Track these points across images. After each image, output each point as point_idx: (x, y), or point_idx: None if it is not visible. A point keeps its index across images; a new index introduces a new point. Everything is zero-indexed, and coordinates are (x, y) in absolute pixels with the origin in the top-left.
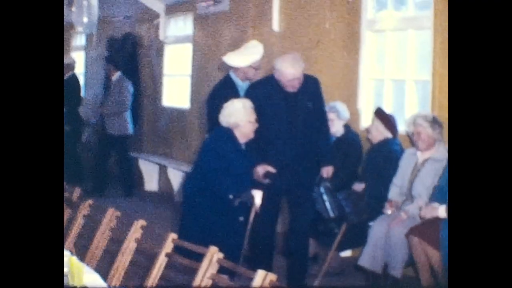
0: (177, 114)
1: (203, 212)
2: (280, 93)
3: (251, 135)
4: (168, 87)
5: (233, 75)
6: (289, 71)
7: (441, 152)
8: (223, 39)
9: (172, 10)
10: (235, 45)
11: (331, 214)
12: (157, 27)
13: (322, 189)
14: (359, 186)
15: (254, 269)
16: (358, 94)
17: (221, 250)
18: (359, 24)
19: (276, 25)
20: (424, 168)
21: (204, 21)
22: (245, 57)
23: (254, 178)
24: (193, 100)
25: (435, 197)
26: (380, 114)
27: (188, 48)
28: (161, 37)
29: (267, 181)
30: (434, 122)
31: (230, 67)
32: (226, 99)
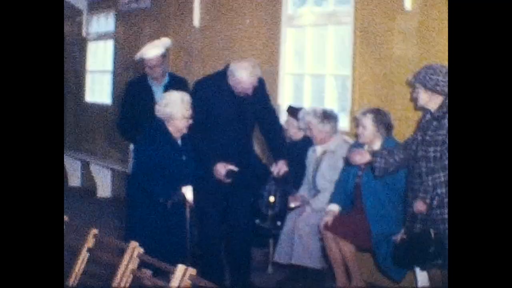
0: (99, 110)
1: (143, 213)
2: (230, 95)
3: (184, 131)
4: (91, 83)
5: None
6: (246, 80)
7: (336, 144)
8: (144, 35)
9: (94, 7)
10: None
11: (270, 213)
12: (79, 24)
13: (272, 186)
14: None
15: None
16: (278, 89)
17: (165, 250)
18: (279, 19)
19: (196, 21)
20: (322, 161)
21: (125, 17)
22: (143, 51)
23: (216, 178)
24: (114, 96)
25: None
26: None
27: (110, 44)
28: (83, 34)
29: (228, 180)
30: (324, 116)
31: None
32: (138, 91)
